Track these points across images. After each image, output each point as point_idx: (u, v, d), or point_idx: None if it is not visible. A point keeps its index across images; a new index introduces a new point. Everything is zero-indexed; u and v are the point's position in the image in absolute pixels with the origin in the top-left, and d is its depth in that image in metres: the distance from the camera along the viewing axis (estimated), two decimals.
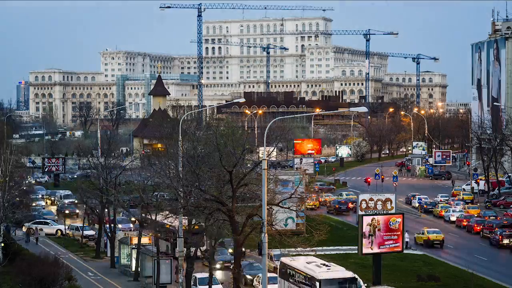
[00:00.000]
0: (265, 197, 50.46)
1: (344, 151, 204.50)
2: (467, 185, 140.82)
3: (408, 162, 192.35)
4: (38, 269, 62.45)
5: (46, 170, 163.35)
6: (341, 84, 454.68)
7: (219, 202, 56.29)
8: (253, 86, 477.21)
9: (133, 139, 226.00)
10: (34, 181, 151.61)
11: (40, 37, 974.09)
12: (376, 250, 64.50)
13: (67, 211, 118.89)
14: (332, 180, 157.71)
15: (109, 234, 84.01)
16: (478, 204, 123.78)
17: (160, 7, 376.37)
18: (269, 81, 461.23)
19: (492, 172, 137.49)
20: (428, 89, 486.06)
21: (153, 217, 72.26)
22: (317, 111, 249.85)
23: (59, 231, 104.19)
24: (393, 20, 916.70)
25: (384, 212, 73.99)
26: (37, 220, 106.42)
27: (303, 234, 61.21)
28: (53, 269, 63.40)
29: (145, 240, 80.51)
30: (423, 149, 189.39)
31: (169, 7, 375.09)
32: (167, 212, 67.62)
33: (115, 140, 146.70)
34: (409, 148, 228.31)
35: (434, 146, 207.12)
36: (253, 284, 67.83)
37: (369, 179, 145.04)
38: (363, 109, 57.91)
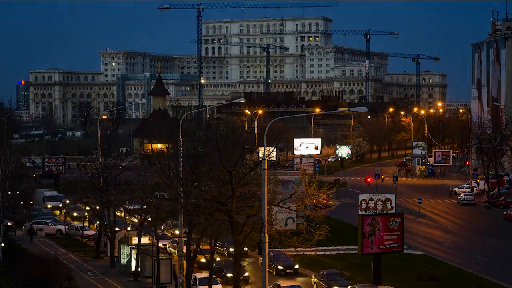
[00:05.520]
0: (265, 197, 50.43)
1: (344, 151, 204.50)
2: (467, 185, 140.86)
3: (408, 162, 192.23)
4: (38, 269, 62.42)
5: (46, 170, 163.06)
6: (341, 84, 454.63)
7: (218, 202, 56.28)
8: (253, 86, 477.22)
9: (133, 139, 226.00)
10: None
11: (40, 37, 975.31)
12: (376, 250, 64.47)
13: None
14: (332, 180, 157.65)
15: (109, 234, 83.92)
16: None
17: (159, 8, 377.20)
18: (269, 81, 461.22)
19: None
20: (428, 89, 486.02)
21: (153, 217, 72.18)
22: (317, 111, 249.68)
23: (59, 231, 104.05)
24: (393, 20, 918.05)
25: (384, 212, 73.95)
26: (37, 220, 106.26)
27: (303, 234, 61.16)
28: (53, 269, 63.38)
29: (145, 240, 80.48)
30: (423, 149, 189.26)
31: (168, 7, 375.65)
32: None
33: (115, 139, 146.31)
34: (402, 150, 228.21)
35: (438, 144, 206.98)
36: None
37: (369, 179, 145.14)
38: (363, 109, 57.83)
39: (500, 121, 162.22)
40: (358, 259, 75.17)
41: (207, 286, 62.61)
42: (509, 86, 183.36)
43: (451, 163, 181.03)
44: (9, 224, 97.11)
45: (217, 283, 66.10)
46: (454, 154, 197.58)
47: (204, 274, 66.55)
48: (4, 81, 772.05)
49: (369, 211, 75.50)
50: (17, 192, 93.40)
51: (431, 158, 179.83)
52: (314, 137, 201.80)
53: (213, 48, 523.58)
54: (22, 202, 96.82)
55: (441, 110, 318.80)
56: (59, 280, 63.03)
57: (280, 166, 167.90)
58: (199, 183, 59.52)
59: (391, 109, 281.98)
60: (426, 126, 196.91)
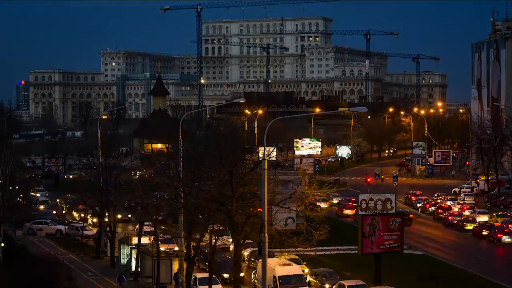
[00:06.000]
0: (265, 197, 50.43)
1: (344, 151, 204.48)
2: (467, 185, 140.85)
3: (408, 162, 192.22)
4: (38, 269, 62.41)
5: (46, 170, 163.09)
6: (341, 84, 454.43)
7: (218, 202, 56.31)
8: (253, 86, 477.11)
9: (133, 139, 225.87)
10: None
11: (40, 37, 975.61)
12: (376, 250, 64.48)
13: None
14: (332, 180, 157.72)
15: (109, 234, 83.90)
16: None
17: (160, 9, 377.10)
18: (269, 81, 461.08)
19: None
20: (428, 89, 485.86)
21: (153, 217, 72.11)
22: (317, 111, 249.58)
23: (59, 231, 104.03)
24: (393, 20, 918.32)
25: (384, 212, 74.00)
26: (37, 220, 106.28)
27: (303, 234, 61.19)
28: (53, 269, 63.37)
29: (145, 240, 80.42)
30: (423, 149, 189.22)
31: (169, 8, 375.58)
32: None
33: (115, 139, 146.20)
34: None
35: (438, 144, 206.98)
36: None
37: (369, 179, 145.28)
38: (363, 109, 57.92)
39: (500, 121, 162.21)
40: (358, 259, 75.14)
41: (207, 286, 62.62)
42: (509, 86, 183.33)
43: (451, 163, 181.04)
44: None
45: (217, 283, 66.10)
46: (454, 154, 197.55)
47: (204, 274, 66.56)
48: (4, 81, 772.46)
49: (369, 211, 75.55)
50: (18, 186, 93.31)
51: (431, 158, 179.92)
52: (314, 137, 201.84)
53: (213, 48, 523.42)
54: (20, 199, 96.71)
55: (441, 110, 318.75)
56: (59, 280, 63.02)
57: (280, 166, 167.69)
58: (199, 183, 59.54)
59: (391, 109, 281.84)
60: (426, 126, 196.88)
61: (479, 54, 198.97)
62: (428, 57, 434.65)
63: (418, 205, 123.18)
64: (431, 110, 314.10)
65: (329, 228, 61.18)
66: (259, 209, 56.38)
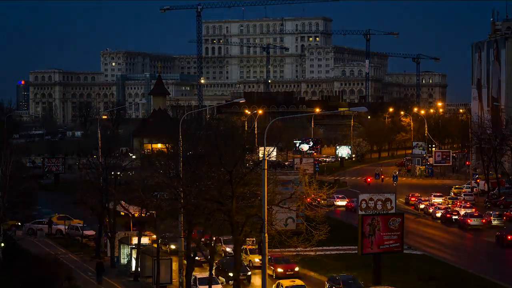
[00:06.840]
0: (265, 197, 50.42)
1: (344, 151, 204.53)
2: (467, 185, 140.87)
3: (408, 162, 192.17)
4: (38, 269, 62.42)
5: (46, 170, 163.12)
6: (341, 84, 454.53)
7: (218, 202, 56.31)
8: (253, 86, 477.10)
9: (133, 139, 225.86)
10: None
11: (40, 37, 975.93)
12: (376, 250, 64.48)
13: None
14: (332, 180, 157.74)
15: (109, 234, 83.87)
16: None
17: (160, 10, 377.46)
18: (269, 81, 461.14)
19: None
20: (428, 89, 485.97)
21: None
22: (317, 111, 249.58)
23: (59, 231, 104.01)
24: (393, 20, 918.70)
25: (384, 212, 73.94)
26: (37, 220, 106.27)
27: (303, 234, 61.15)
28: (53, 269, 63.37)
29: (145, 240, 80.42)
30: (423, 149, 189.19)
31: (169, 8, 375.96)
32: None
33: (115, 139, 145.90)
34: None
35: (435, 145, 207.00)
36: None
37: (369, 179, 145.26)
38: (363, 109, 57.94)
39: (500, 121, 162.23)
40: (358, 259, 75.15)
41: (207, 286, 62.61)
42: (509, 86, 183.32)
43: (451, 163, 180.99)
44: (18, 224, 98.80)
45: (217, 283, 66.10)
46: (454, 154, 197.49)
47: (204, 274, 66.56)
48: (4, 81, 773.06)
49: (369, 211, 75.48)
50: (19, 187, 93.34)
51: (431, 158, 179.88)
52: (314, 137, 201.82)
53: (213, 48, 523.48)
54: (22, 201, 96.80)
55: (441, 110, 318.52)
56: (59, 280, 63.02)
57: (280, 166, 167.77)
58: (199, 183, 59.53)
59: (391, 109, 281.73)
60: (426, 126, 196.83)
61: (479, 54, 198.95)
62: (428, 57, 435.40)
63: (421, 206, 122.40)
64: (431, 110, 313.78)
65: (329, 228, 61.16)
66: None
